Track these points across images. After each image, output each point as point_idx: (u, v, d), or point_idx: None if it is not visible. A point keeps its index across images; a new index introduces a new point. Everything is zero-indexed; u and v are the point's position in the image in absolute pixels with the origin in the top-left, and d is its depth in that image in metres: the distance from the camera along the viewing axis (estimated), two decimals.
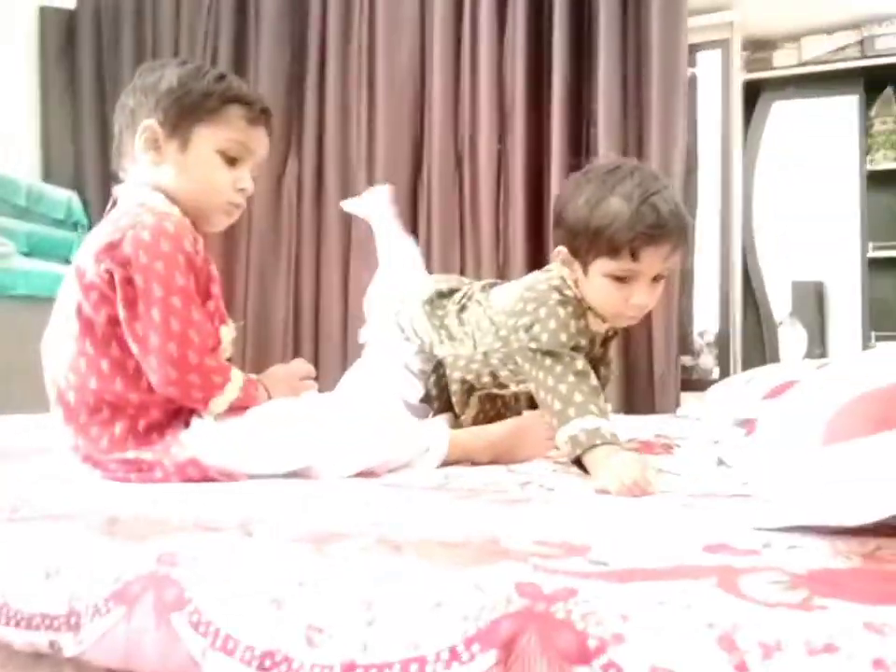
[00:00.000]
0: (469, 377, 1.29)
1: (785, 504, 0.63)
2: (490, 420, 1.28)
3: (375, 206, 1.81)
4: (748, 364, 2.75)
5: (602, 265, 1.08)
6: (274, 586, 0.51)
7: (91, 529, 0.63)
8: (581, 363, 1.06)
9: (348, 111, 2.67)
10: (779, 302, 3.02)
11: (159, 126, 1.00)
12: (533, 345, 1.09)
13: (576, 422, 0.98)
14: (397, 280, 1.57)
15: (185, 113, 1.00)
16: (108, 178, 2.91)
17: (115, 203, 1.04)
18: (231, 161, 1.03)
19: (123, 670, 0.54)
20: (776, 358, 2.88)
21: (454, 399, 1.31)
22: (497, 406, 1.33)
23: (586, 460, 0.97)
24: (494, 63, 2.46)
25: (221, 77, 1.03)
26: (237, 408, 0.98)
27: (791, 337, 3.02)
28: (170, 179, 1.01)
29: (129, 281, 0.93)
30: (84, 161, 2.94)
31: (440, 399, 1.33)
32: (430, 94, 2.57)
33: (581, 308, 1.14)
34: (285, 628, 0.48)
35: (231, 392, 0.96)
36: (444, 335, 1.37)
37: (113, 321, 0.94)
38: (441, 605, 0.46)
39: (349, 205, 1.92)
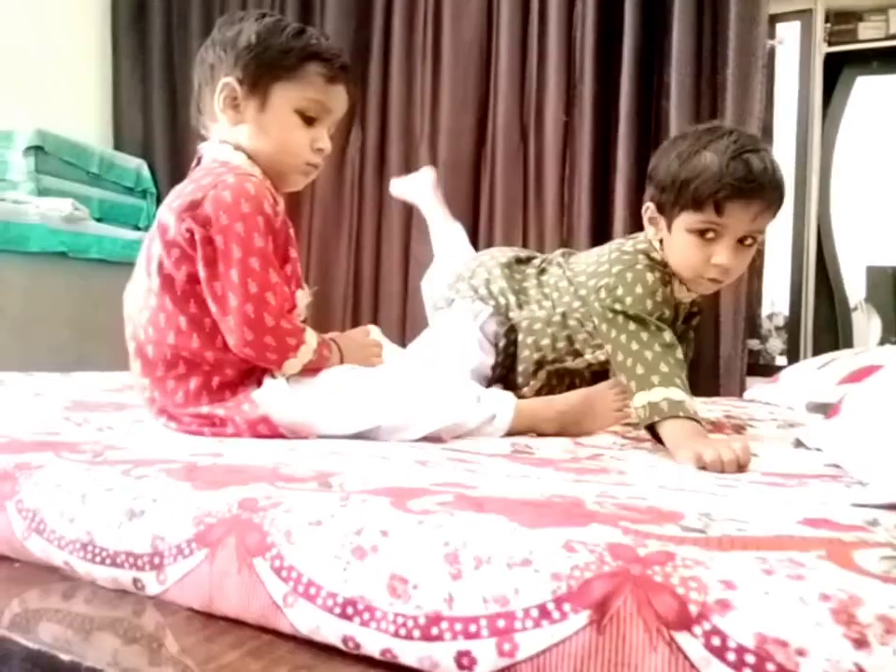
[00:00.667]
0: (544, 343, 1.27)
1: (886, 483, 0.59)
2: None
3: (419, 190, 1.78)
4: (817, 350, 2.65)
5: (686, 219, 1.04)
6: (358, 535, 0.50)
7: (173, 474, 0.64)
8: (668, 335, 1.02)
9: (412, 82, 2.65)
10: (853, 287, 2.89)
11: (238, 84, 0.99)
12: (617, 307, 1.05)
13: (659, 390, 0.95)
14: (444, 266, 1.53)
15: (263, 71, 0.99)
16: (176, 148, 2.97)
17: (199, 161, 1.05)
18: (309, 121, 1.01)
19: (205, 612, 0.54)
20: (848, 345, 2.76)
21: (520, 369, 1.29)
22: (563, 384, 1.31)
23: (665, 432, 0.93)
24: (562, 33, 2.40)
25: (300, 32, 1.01)
26: (310, 370, 0.98)
27: (865, 324, 2.89)
28: (249, 139, 1.01)
29: (209, 241, 0.93)
30: (153, 131, 3.00)
31: (503, 366, 1.31)
32: (496, 65, 2.53)
33: (667, 275, 1.11)
34: (368, 577, 0.48)
35: (305, 355, 0.97)
36: (522, 299, 1.34)
37: (192, 279, 0.95)
38: (529, 562, 0.45)
39: (395, 188, 1.89)
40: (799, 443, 1.11)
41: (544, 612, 0.43)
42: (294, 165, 1.03)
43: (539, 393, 1.30)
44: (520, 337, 1.28)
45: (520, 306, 1.33)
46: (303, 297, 1.07)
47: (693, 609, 0.40)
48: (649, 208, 1.12)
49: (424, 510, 0.53)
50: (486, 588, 0.45)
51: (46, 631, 0.56)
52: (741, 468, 0.80)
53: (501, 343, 1.30)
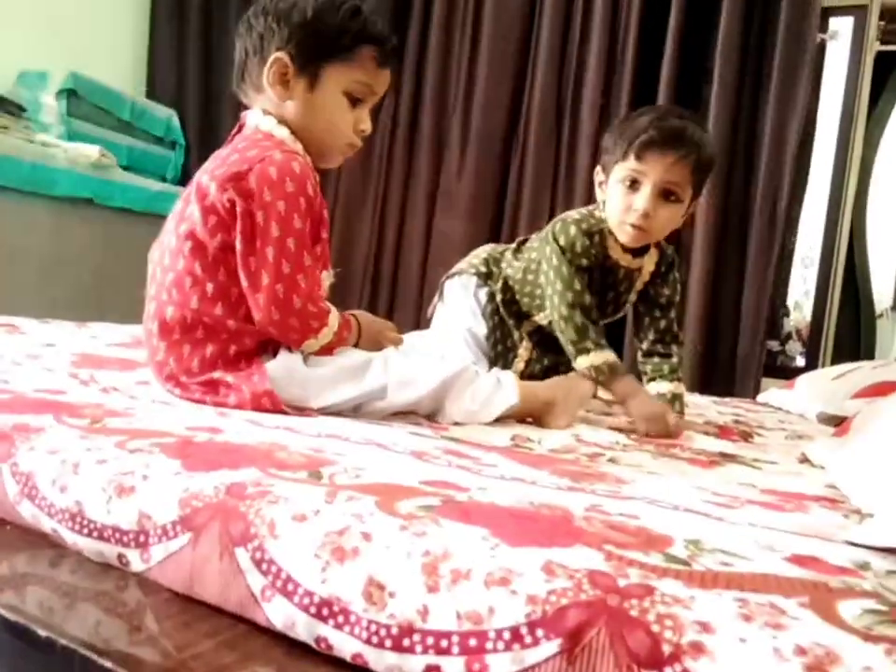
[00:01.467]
0: (520, 298, 1.39)
1: (883, 522, 0.58)
2: (543, 370, 1.38)
3: None
4: (838, 356, 2.60)
5: (616, 172, 1.22)
6: (340, 535, 0.50)
7: (166, 450, 0.64)
8: (588, 298, 1.23)
9: (450, 52, 2.60)
10: (882, 294, 2.83)
11: (290, 60, 0.98)
12: (553, 240, 1.25)
13: (597, 353, 1.19)
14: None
15: (317, 50, 0.98)
16: (208, 101, 2.95)
17: (240, 129, 1.04)
18: (355, 102, 1.01)
19: (186, 595, 0.54)
20: (870, 353, 2.71)
21: (508, 337, 1.38)
22: (549, 351, 1.39)
23: (616, 391, 1.20)
24: (607, 14, 2.34)
25: (356, 12, 0.99)
26: (330, 350, 1.00)
27: (890, 333, 2.83)
28: (295, 115, 1.00)
29: (250, 214, 0.93)
30: (186, 82, 2.98)
31: (496, 339, 1.39)
32: (537, 42, 2.47)
33: (602, 233, 1.26)
34: (346, 579, 0.48)
35: (325, 337, 0.99)
36: (503, 266, 1.45)
37: (226, 247, 0.95)
38: (507, 581, 0.44)
39: None
40: (805, 458, 1.09)
41: (516, 636, 0.42)
42: (337, 146, 1.04)
43: (527, 369, 1.37)
44: (498, 297, 1.38)
45: (500, 270, 1.43)
46: (328, 278, 1.08)
47: (667, 650, 0.39)
48: (598, 172, 1.30)
49: (409, 513, 0.52)
50: (461, 604, 0.44)
51: (32, 596, 0.57)
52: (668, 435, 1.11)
53: (488, 310, 1.39)
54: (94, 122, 2.59)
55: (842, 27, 2.41)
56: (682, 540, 0.53)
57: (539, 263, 1.31)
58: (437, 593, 0.45)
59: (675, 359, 1.36)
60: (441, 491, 0.60)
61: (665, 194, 1.18)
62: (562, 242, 1.24)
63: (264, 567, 0.51)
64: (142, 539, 0.56)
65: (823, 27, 2.38)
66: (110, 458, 0.62)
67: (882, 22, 2.40)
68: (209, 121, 2.94)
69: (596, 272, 1.28)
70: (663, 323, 1.37)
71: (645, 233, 1.22)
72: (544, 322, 1.35)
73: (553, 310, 1.25)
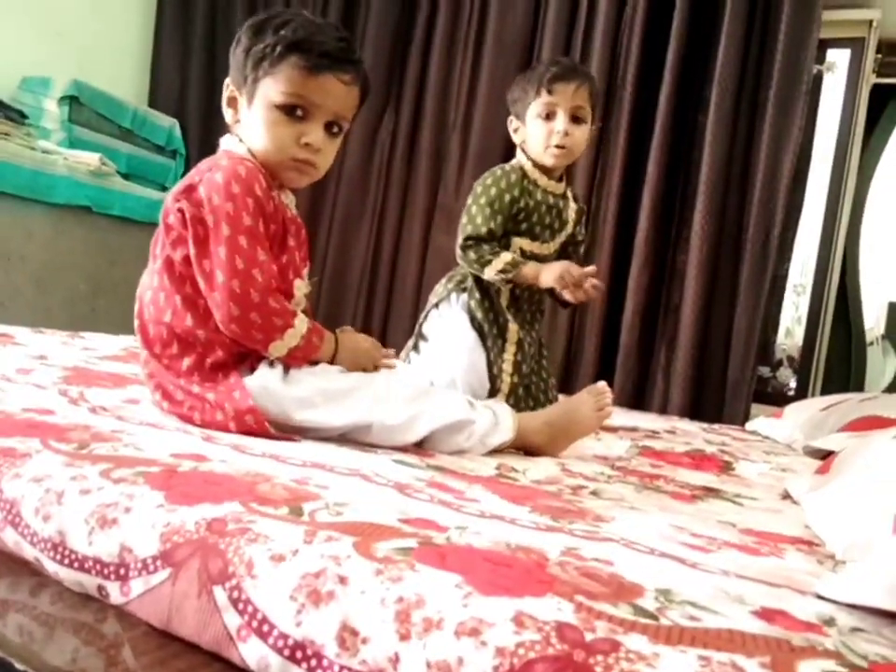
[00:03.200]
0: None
1: (854, 576, 0.59)
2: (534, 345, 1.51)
3: None
4: (828, 383, 2.62)
5: (532, 108, 1.45)
6: (316, 578, 0.51)
7: (150, 480, 0.65)
8: (485, 229, 1.42)
9: (451, 71, 2.62)
10: (874, 322, 2.85)
11: (234, 85, 1.03)
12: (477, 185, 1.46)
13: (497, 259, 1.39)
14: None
15: (250, 70, 1.00)
16: (211, 111, 2.96)
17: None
18: (295, 116, 1.00)
19: (163, 630, 0.55)
20: (860, 381, 2.73)
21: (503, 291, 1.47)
22: (532, 305, 1.53)
23: (527, 276, 1.40)
24: (608, 38, 2.37)
25: (283, 25, 0.99)
26: (297, 357, 0.99)
27: (880, 361, 2.85)
28: (244, 135, 1.04)
29: (201, 221, 0.96)
30: (189, 92, 3.00)
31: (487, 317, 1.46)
32: (538, 62, 2.49)
33: (523, 169, 1.47)
34: (320, 623, 0.48)
35: (292, 338, 0.98)
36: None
37: (187, 260, 0.98)
38: (478, 632, 0.45)
39: None
40: (786, 494, 1.10)
41: None
42: (280, 161, 1.02)
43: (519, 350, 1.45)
44: (469, 282, 1.47)
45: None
46: (302, 287, 1.08)
47: None
48: (511, 121, 1.52)
49: (386, 556, 0.53)
50: (432, 653, 0.45)
51: (13, 622, 0.57)
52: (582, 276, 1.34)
53: (470, 304, 1.46)
54: (95, 129, 2.60)
55: (839, 59, 2.43)
56: (653, 590, 0.54)
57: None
58: (408, 641, 0.46)
59: None
60: (420, 531, 0.60)
61: (575, 119, 1.44)
62: (489, 181, 1.44)
63: (241, 606, 0.51)
64: (122, 571, 0.57)
65: (820, 58, 2.41)
66: (94, 488, 0.63)
67: (879, 55, 2.43)
68: (211, 132, 2.95)
69: (531, 204, 1.47)
70: (574, 259, 1.56)
71: (567, 151, 1.45)
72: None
73: (457, 246, 1.44)
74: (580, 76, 1.44)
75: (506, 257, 1.40)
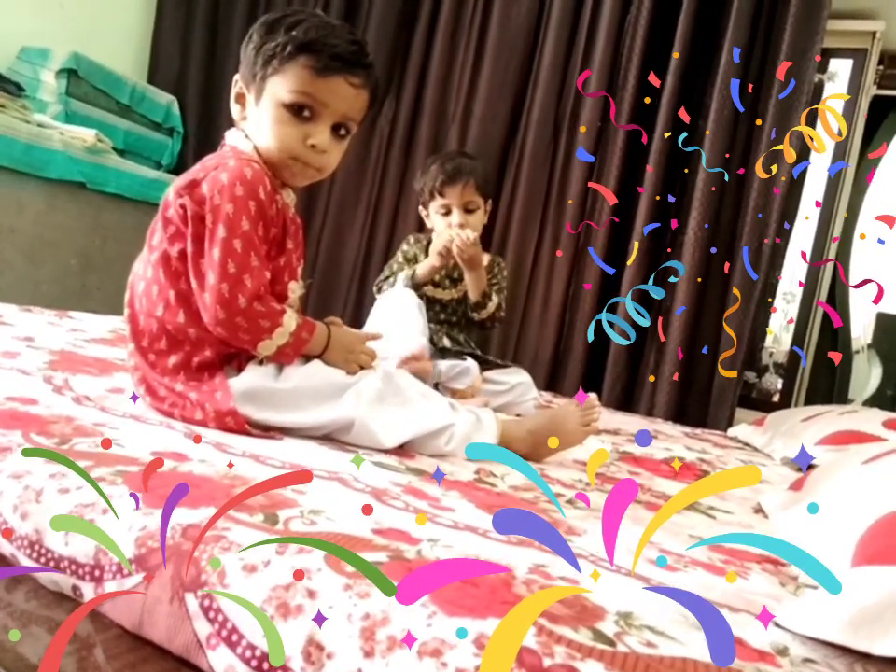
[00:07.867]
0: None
1: (811, 607, 0.60)
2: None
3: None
4: (813, 390, 2.65)
5: (432, 206, 1.74)
6: (286, 590, 0.52)
7: (129, 481, 0.66)
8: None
9: (453, 62, 2.61)
10: (860, 332, 2.87)
11: (242, 81, 1.03)
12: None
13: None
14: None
15: (259, 67, 1.00)
16: (210, 90, 2.95)
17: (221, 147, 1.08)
18: (302, 116, 1.00)
19: (135, 632, 0.56)
20: (845, 389, 2.76)
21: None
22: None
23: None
24: (611, 37, 2.36)
25: (295, 25, 0.99)
26: (286, 353, 1.00)
27: (865, 370, 2.88)
28: (250, 132, 1.04)
29: (201, 218, 0.96)
30: (188, 69, 2.97)
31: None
32: (539, 59, 2.49)
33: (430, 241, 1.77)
34: (287, 636, 0.50)
35: (280, 337, 0.99)
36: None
37: (184, 256, 0.98)
38: (440, 653, 0.47)
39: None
40: (759, 507, 1.12)
41: None
42: (283, 160, 1.03)
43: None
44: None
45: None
46: (297, 289, 1.09)
47: None
48: (421, 209, 1.81)
49: (355, 571, 0.54)
50: None
51: None
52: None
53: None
54: (93, 104, 2.58)
55: (841, 69, 2.44)
56: (615, 613, 0.55)
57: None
58: (372, 658, 0.47)
59: None
60: (392, 544, 0.62)
61: (468, 210, 1.71)
62: (404, 246, 1.82)
63: (211, 615, 0.53)
64: (97, 573, 0.58)
65: (823, 67, 2.41)
66: (73, 488, 0.64)
67: (881, 67, 2.43)
68: (209, 111, 2.93)
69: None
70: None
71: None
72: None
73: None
74: (464, 174, 1.69)
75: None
